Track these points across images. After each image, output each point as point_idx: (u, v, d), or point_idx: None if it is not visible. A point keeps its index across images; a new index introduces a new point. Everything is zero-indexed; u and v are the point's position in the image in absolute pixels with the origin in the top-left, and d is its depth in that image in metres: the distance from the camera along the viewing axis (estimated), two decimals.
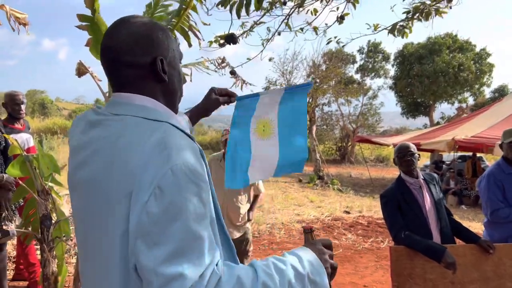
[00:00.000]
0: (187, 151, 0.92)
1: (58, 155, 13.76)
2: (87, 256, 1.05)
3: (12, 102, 3.87)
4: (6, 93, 3.95)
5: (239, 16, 2.48)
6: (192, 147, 0.96)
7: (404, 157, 3.08)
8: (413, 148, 3.13)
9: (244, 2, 2.43)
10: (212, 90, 1.63)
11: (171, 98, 1.14)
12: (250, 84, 2.95)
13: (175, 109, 1.17)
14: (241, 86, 2.96)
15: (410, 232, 2.89)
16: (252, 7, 2.49)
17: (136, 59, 1.05)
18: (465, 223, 3.24)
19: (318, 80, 18.91)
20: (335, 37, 3.20)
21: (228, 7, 2.59)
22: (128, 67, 1.05)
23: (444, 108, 32.14)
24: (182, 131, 1.01)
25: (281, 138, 1.81)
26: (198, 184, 0.89)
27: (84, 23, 2.89)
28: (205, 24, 2.82)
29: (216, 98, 1.63)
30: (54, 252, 2.79)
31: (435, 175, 3.30)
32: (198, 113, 1.64)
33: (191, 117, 1.61)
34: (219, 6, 2.67)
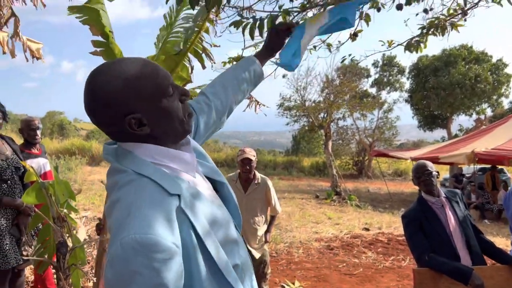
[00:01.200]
0: (148, 218, 0.88)
1: (77, 176, 13.91)
2: None
3: (28, 127, 3.99)
4: (22, 119, 4.12)
5: (252, 37, 2.46)
6: (162, 208, 0.92)
7: (421, 177, 2.99)
8: (430, 166, 3.03)
9: (258, 23, 2.41)
10: (273, 28, 1.60)
11: (165, 138, 1.07)
12: (264, 106, 2.92)
13: (180, 133, 1.10)
14: (256, 108, 2.93)
15: (434, 254, 2.79)
16: (265, 28, 2.47)
17: (109, 123, 1.02)
18: (489, 238, 3.12)
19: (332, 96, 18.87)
20: (350, 55, 3.17)
21: (240, 28, 2.58)
22: (108, 126, 1.03)
23: (462, 120, 31.63)
24: (161, 186, 0.97)
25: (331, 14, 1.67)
26: (150, 256, 0.85)
27: (99, 49, 2.92)
28: (215, 46, 2.81)
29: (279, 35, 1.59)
30: (70, 280, 2.76)
31: (458, 191, 3.19)
32: (264, 55, 1.60)
33: (259, 59, 1.58)
34: (232, 27, 2.66)
